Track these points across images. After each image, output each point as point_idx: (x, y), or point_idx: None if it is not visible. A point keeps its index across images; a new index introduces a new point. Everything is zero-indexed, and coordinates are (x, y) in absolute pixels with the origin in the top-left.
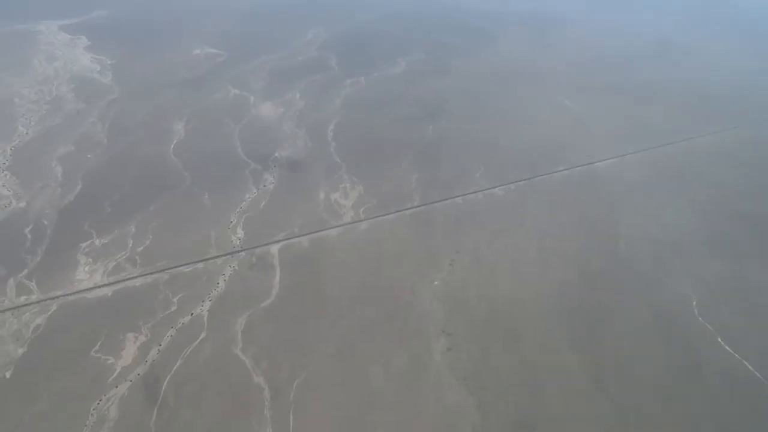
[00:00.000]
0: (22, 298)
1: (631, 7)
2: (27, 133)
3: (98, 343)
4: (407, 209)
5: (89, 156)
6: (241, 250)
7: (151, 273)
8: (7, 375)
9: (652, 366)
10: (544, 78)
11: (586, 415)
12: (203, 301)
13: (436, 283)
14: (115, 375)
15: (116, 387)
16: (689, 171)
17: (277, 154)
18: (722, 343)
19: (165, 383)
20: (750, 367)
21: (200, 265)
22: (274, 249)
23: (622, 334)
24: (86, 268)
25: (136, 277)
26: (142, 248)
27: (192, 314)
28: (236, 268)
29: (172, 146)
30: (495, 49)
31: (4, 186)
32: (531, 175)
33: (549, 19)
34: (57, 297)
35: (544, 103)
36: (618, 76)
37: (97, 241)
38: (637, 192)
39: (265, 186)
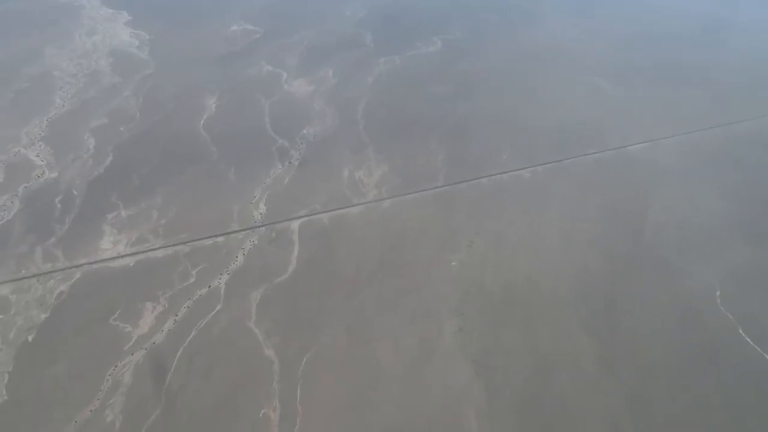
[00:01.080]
0: (48, 265)
1: None
2: (63, 106)
3: (117, 312)
4: (430, 189)
5: (121, 129)
6: (262, 225)
7: (173, 245)
8: (30, 338)
9: (668, 356)
10: (582, 58)
11: (595, 403)
12: (221, 274)
13: (453, 263)
14: (131, 343)
15: (132, 354)
16: (726, 156)
17: (305, 131)
18: (743, 335)
19: (179, 353)
20: None
21: (221, 238)
22: (295, 225)
23: (640, 323)
24: (111, 238)
25: (158, 248)
26: (165, 220)
27: (209, 287)
28: (256, 242)
29: (202, 121)
30: (535, 28)
31: (38, 156)
32: (560, 158)
33: None
34: (81, 265)
35: (580, 84)
36: (661, 57)
37: (123, 213)
38: (669, 177)
39: (290, 162)
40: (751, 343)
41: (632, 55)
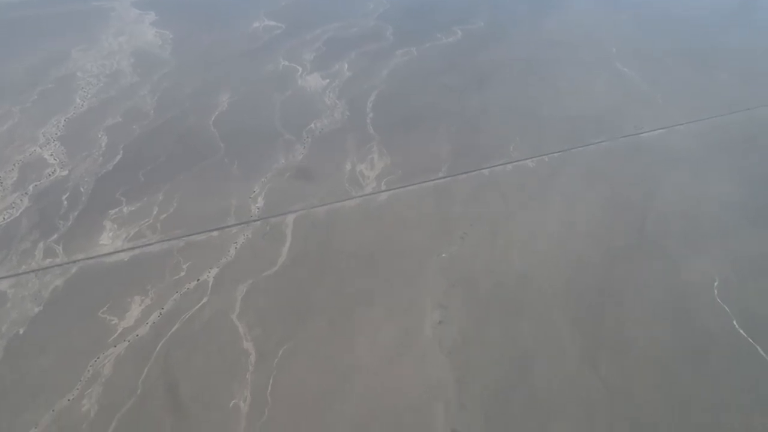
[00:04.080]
0: (47, 261)
1: None
2: (82, 106)
3: (107, 305)
4: (430, 180)
5: (134, 127)
6: (257, 219)
7: (168, 240)
8: (21, 331)
9: (656, 348)
10: (606, 45)
11: (570, 396)
12: (211, 268)
13: (443, 255)
14: (115, 335)
15: (114, 346)
16: (743, 142)
17: (312, 125)
18: (737, 327)
19: (159, 345)
20: (763, 353)
21: (215, 233)
22: (290, 219)
23: (629, 315)
24: (110, 234)
25: (153, 243)
26: (165, 216)
27: (198, 280)
28: (249, 236)
29: (213, 118)
30: (561, 16)
31: (51, 155)
32: (568, 147)
33: None
34: (78, 260)
35: (601, 71)
36: (687, 41)
37: (125, 209)
38: (680, 165)
39: (294, 156)
40: (745, 335)
41: (658, 39)
